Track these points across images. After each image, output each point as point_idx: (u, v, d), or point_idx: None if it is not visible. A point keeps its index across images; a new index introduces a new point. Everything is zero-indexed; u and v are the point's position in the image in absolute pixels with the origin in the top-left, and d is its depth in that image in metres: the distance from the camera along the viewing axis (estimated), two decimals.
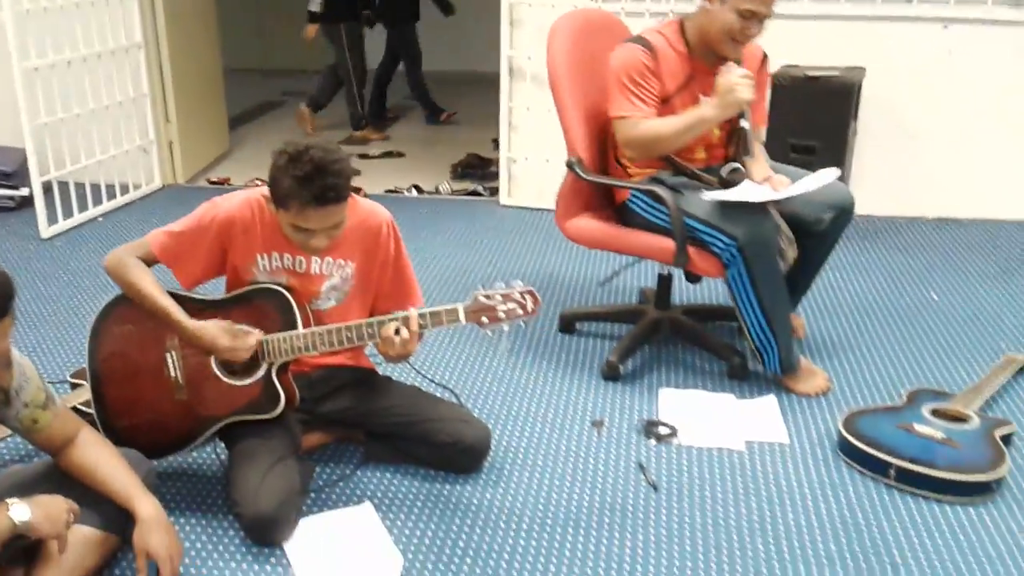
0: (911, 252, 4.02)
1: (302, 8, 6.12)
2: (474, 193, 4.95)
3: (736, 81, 2.63)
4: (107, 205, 4.51)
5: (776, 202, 2.70)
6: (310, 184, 2.02)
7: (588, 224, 2.94)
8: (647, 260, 3.17)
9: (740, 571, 2.07)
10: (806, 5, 4.19)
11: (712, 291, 3.53)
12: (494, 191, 4.84)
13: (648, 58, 2.72)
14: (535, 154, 4.51)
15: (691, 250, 2.70)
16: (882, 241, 4.13)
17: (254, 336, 2.18)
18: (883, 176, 4.31)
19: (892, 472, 2.37)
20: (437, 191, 4.97)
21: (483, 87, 5.72)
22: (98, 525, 1.96)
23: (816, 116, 3.92)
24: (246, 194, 2.28)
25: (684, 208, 2.68)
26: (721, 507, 2.30)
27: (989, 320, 3.35)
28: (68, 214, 4.28)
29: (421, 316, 2.14)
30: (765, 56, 2.94)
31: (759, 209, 2.65)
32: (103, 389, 2.28)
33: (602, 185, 2.95)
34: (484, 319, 2.16)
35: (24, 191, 4.50)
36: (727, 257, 2.64)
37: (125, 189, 4.66)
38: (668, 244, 2.71)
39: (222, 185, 5.02)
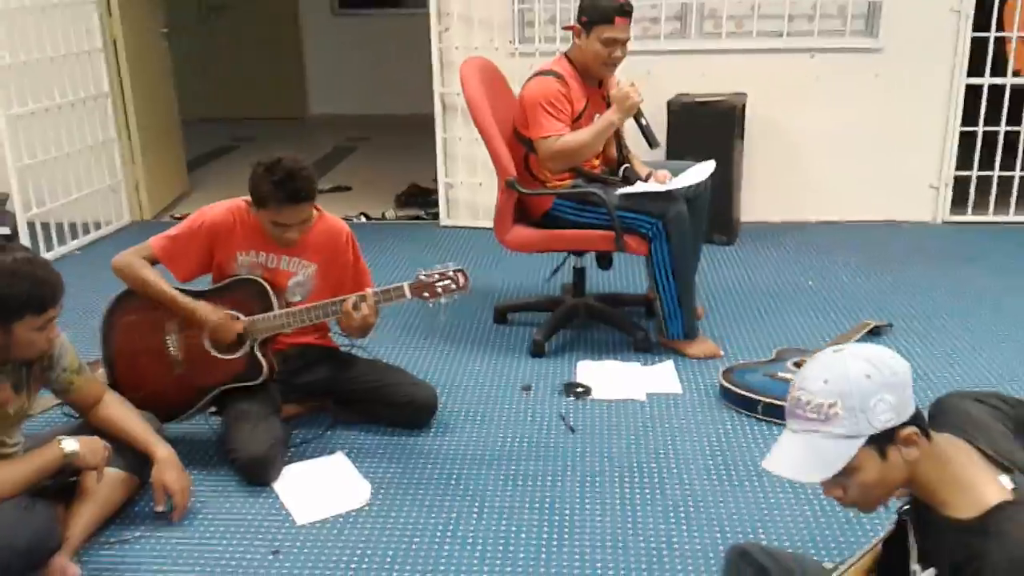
0: (794, 250, 4.67)
1: (245, 59, 6.61)
2: (417, 218, 5.50)
3: (628, 90, 3.25)
4: (82, 240, 4.96)
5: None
6: (284, 186, 2.57)
7: (526, 233, 3.46)
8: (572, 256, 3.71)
9: (639, 485, 2.63)
10: (693, 41, 4.87)
11: (619, 281, 4.10)
12: (435, 216, 5.39)
13: (562, 85, 3.31)
14: (468, 179, 5.08)
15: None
16: (770, 242, 4.77)
17: (240, 319, 2.70)
18: (769, 186, 4.96)
19: (760, 408, 2.97)
20: (383, 217, 5.51)
21: (422, 127, 6.30)
22: (123, 468, 2.44)
23: (706, 136, 4.54)
24: (228, 203, 2.82)
25: (613, 203, 3.27)
26: (625, 440, 2.87)
27: (852, 300, 3.99)
28: (49, 248, 4.72)
29: (375, 293, 2.68)
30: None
31: (670, 194, 3.28)
32: (116, 368, 2.77)
33: (528, 200, 3.46)
34: (425, 294, 2.70)
35: (3, 230, 4.92)
36: (652, 233, 3.25)
37: (98, 226, 5.11)
38: (602, 235, 3.30)
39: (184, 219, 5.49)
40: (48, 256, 4.71)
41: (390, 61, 8.30)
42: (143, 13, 5.35)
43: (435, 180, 5.27)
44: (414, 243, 4.97)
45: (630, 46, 3.39)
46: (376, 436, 2.92)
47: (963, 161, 4.92)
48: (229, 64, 8.37)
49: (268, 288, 2.74)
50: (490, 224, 4.94)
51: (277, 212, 2.63)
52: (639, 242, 3.31)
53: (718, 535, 2.39)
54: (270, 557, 2.34)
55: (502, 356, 3.50)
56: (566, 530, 2.42)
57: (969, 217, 4.98)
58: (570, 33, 3.41)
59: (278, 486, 2.64)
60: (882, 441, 1.50)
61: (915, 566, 1.64)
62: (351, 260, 2.92)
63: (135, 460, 2.46)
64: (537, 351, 3.46)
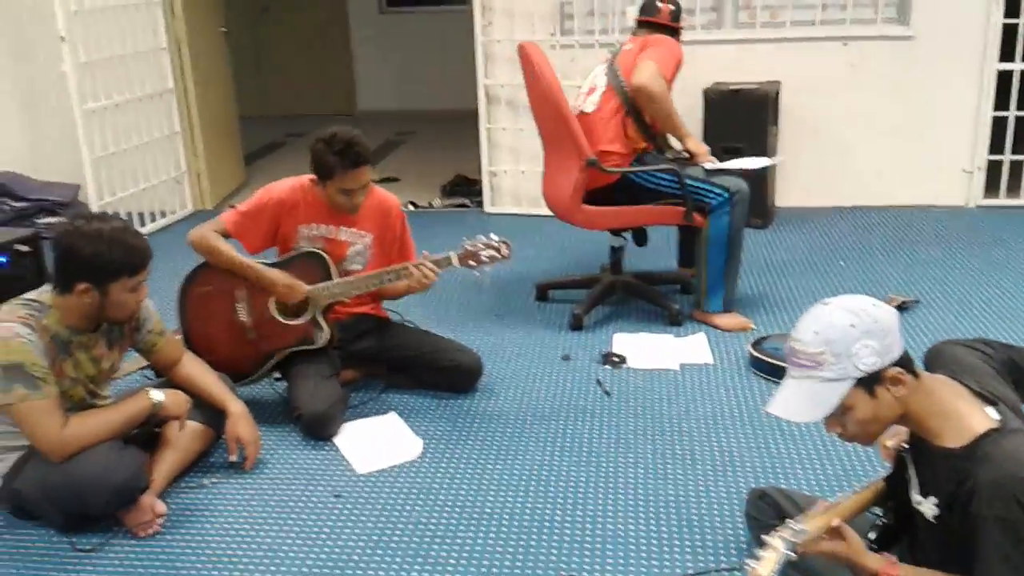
0: (827, 233, 4.82)
1: (296, 57, 6.85)
2: (462, 206, 5.73)
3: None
4: (149, 227, 5.27)
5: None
6: (347, 153, 2.84)
7: (597, 211, 3.63)
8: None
9: (670, 443, 2.83)
10: (728, 32, 5.04)
11: (652, 260, 4.27)
12: (479, 204, 5.62)
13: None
14: (512, 167, 5.31)
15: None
16: (804, 226, 4.91)
17: (303, 284, 2.96)
18: (803, 172, 5.11)
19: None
20: (430, 206, 5.76)
21: (466, 121, 6.53)
22: (201, 421, 2.70)
23: (741, 123, 4.70)
24: (291, 180, 3.08)
25: (687, 174, 3.52)
26: (658, 405, 3.07)
27: (882, 278, 4.14)
28: None
29: (427, 258, 2.92)
30: None
31: (738, 173, 3.54)
32: (191, 334, 3.03)
33: (592, 176, 3.57)
34: (471, 262, 2.95)
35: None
36: (718, 203, 3.48)
37: (163, 214, 5.43)
38: (670, 210, 3.55)
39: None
40: None
41: (435, 57, 8.55)
42: (204, 13, 5.66)
43: (479, 170, 5.50)
44: (461, 228, 5.17)
45: None
46: (425, 398, 3.16)
47: (996, 145, 5.02)
48: (281, 62, 8.70)
49: (328, 260, 3.00)
50: (533, 210, 5.25)
51: (343, 179, 2.88)
52: (700, 215, 3.53)
53: (743, 484, 2.58)
54: (333, 499, 2.59)
55: (543, 329, 3.71)
56: (602, 480, 2.63)
57: (1003, 201, 5.08)
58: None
59: (338, 440, 2.89)
60: (870, 382, 1.69)
61: (917, 496, 1.82)
62: (399, 232, 3.17)
63: (211, 415, 2.72)
64: (576, 324, 3.67)
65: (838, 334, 1.68)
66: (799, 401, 1.74)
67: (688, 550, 2.31)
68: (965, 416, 1.69)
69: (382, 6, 8.79)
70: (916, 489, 1.84)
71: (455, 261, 2.95)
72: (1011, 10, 4.77)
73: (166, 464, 2.60)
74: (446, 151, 7.31)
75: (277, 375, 3.16)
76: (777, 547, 1.68)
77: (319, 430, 2.88)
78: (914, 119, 5.00)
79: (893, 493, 1.95)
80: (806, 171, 5.11)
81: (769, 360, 3.20)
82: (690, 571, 2.23)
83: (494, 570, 2.26)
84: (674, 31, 3.72)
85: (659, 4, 3.72)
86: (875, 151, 5.07)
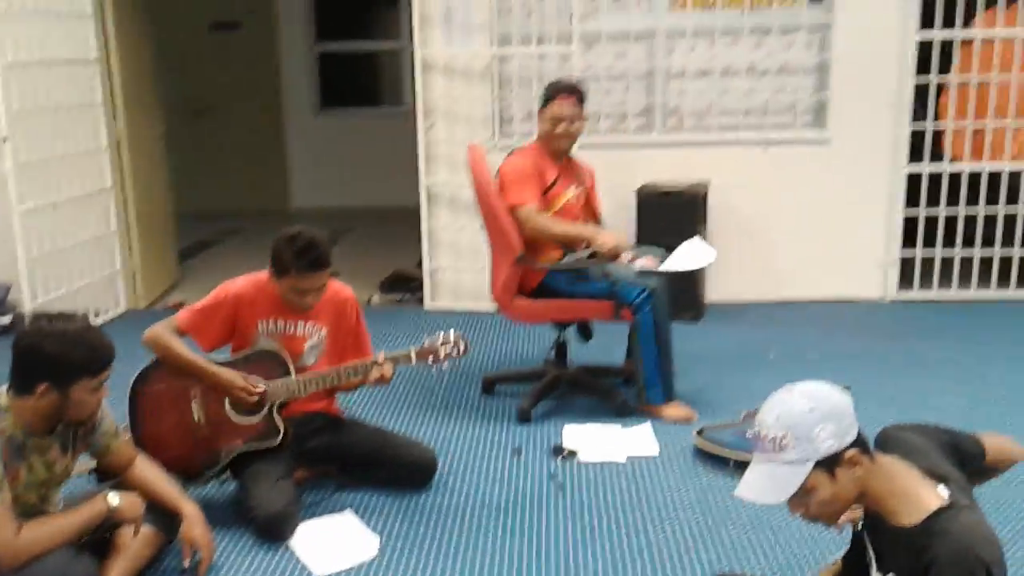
0: (755, 326, 5.01)
1: (230, 156, 6.87)
2: (401, 301, 5.79)
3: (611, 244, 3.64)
4: None
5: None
6: (306, 254, 2.89)
7: (529, 304, 3.78)
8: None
9: (624, 535, 2.88)
10: (658, 136, 5.31)
11: (597, 353, 4.37)
12: (420, 300, 5.68)
13: (531, 160, 3.75)
14: (451, 263, 5.41)
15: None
16: (733, 319, 5.10)
17: (261, 382, 2.96)
18: (731, 268, 5.30)
19: (731, 463, 3.25)
20: (370, 301, 5.79)
21: (402, 217, 6.65)
22: (151, 524, 2.65)
23: (672, 223, 4.89)
24: (248, 277, 3.11)
25: (609, 272, 3.65)
26: (611, 497, 3.13)
27: (810, 368, 4.28)
28: None
29: (388, 358, 2.97)
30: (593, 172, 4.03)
31: (656, 273, 3.69)
32: (142, 434, 2.99)
33: (524, 273, 3.73)
34: (430, 359, 3.00)
35: (5, 319, 5.14)
36: (640, 302, 3.60)
37: (96, 313, 5.34)
38: (600, 304, 3.68)
39: (179, 308, 5.74)
40: None
41: (369, 156, 8.70)
42: (143, 114, 5.70)
43: (418, 266, 5.59)
44: (401, 324, 5.25)
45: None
46: (380, 496, 3.15)
47: (910, 241, 5.34)
48: (214, 161, 8.72)
49: (285, 356, 3.02)
50: (472, 305, 5.34)
51: (298, 279, 2.92)
52: (626, 311, 3.65)
53: (700, 573, 2.64)
54: None
55: (492, 423, 3.76)
56: (563, 573, 2.66)
57: (916, 294, 5.38)
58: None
59: (293, 542, 2.86)
60: (830, 463, 1.80)
61: (876, 574, 1.92)
62: (354, 324, 3.22)
63: (162, 518, 2.66)
64: (523, 418, 3.74)
65: (798, 419, 1.80)
66: (764, 484, 1.83)
67: None
68: (919, 494, 1.81)
69: (316, 108, 8.96)
70: (874, 567, 1.93)
71: (414, 358, 3.00)
72: (919, 116, 5.15)
73: (117, 572, 2.53)
74: (383, 247, 7.39)
75: (225, 475, 3.12)
76: None
77: (275, 532, 2.85)
78: (832, 217, 5.29)
79: (851, 571, 2.04)
80: (735, 267, 5.32)
81: (713, 450, 3.30)
82: None
83: None
84: (540, 109, 3.81)
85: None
86: (798, 248, 5.33)
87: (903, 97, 5.10)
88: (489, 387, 4.08)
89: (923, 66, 5.07)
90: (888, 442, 1.96)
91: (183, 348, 2.99)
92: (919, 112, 5.17)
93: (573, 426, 3.66)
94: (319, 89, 8.94)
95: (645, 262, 3.72)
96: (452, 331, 3.05)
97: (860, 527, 2.00)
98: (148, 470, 2.71)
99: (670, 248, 3.87)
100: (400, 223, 6.56)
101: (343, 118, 8.95)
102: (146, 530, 2.60)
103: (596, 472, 3.31)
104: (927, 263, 5.36)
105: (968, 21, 5.08)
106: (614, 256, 3.64)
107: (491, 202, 3.76)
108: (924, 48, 5.05)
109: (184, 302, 5.82)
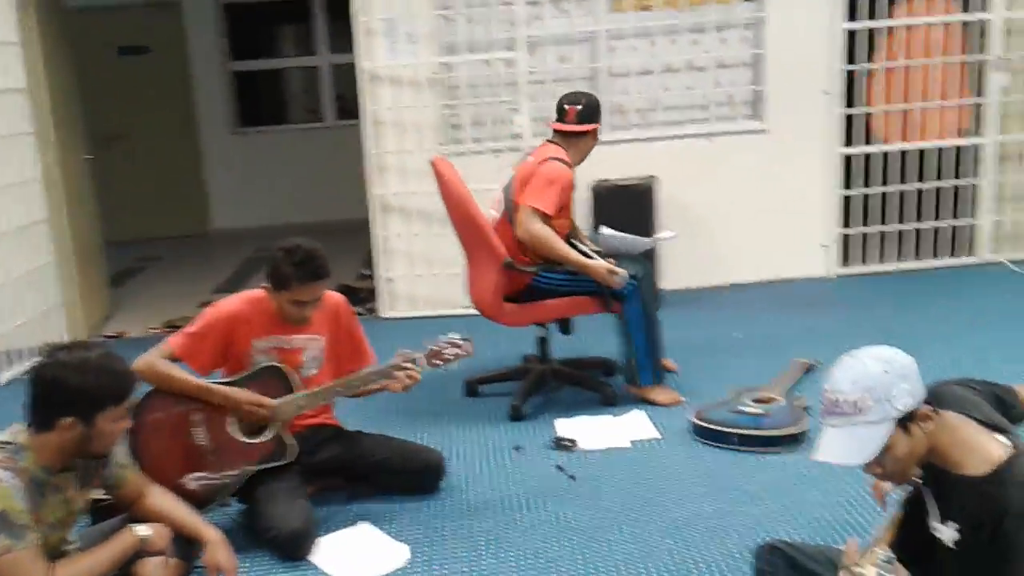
0: (715, 310, 5.15)
1: (146, 181, 6.62)
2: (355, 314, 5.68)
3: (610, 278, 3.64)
4: (25, 365, 4.91)
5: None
6: (305, 266, 2.82)
7: (520, 310, 3.77)
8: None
9: (646, 516, 2.91)
10: (606, 133, 5.37)
11: (577, 347, 4.41)
12: (371, 310, 5.61)
13: (571, 177, 3.73)
14: (407, 272, 5.36)
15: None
16: (691, 306, 5.22)
17: (268, 401, 2.88)
18: (683, 257, 5.43)
19: (735, 439, 3.32)
20: None
21: (333, 231, 6.54)
22: (173, 554, 2.54)
23: (627, 214, 4.99)
24: (240, 296, 3.03)
25: None
26: (623, 481, 3.16)
27: (776, 345, 4.45)
28: None
29: (394, 364, 2.93)
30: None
31: (640, 257, 3.73)
32: (144, 465, 2.84)
33: (511, 278, 3.70)
34: (436, 361, 2.98)
35: None
36: (628, 291, 3.63)
37: (33, 352, 5.07)
38: (589, 300, 3.71)
39: (119, 337, 5.52)
40: None
41: (291, 173, 8.57)
42: (70, 141, 5.46)
43: (359, 278, 5.52)
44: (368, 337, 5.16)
45: None
46: (392, 504, 3.10)
47: (851, 220, 5.57)
48: (129, 187, 8.41)
49: (287, 371, 2.94)
50: (431, 312, 5.30)
51: (299, 291, 2.86)
52: (616, 304, 3.69)
53: (731, 546, 2.69)
54: None
55: (484, 424, 3.74)
56: (600, 560, 2.67)
57: (857, 269, 5.61)
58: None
59: (316, 558, 2.78)
60: (906, 421, 1.86)
61: (936, 524, 1.99)
62: (350, 327, 3.16)
63: (183, 546, 2.56)
64: (516, 415, 3.73)
65: (875, 381, 1.85)
66: (845, 446, 1.88)
67: None
68: (983, 445, 1.89)
69: (233, 127, 8.74)
70: (935, 517, 2.01)
71: (423, 362, 2.97)
72: (850, 102, 5.38)
73: None
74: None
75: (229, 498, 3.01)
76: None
77: (296, 549, 2.77)
78: (775, 202, 5.47)
79: (908, 528, 2.12)
80: (686, 256, 5.45)
81: (716, 428, 3.37)
82: None
83: None
84: (585, 133, 3.81)
85: (567, 106, 3.82)
86: (744, 233, 5.49)
87: (835, 85, 5.32)
88: (473, 389, 4.05)
89: (852, 55, 5.30)
90: (941, 397, 2.03)
91: (182, 373, 2.88)
92: (850, 97, 5.40)
93: (565, 420, 3.68)
94: (235, 108, 8.73)
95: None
96: (454, 333, 3.03)
97: (919, 481, 2.07)
98: (163, 498, 2.59)
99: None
100: (330, 238, 6.44)
101: (261, 136, 8.78)
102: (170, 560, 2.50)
103: (602, 459, 3.33)
104: (865, 239, 5.60)
105: (891, 10, 5.33)
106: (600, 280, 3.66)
107: (470, 212, 3.72)
108: (852, 37, 5.28)
109: (124, 333, 5.61)
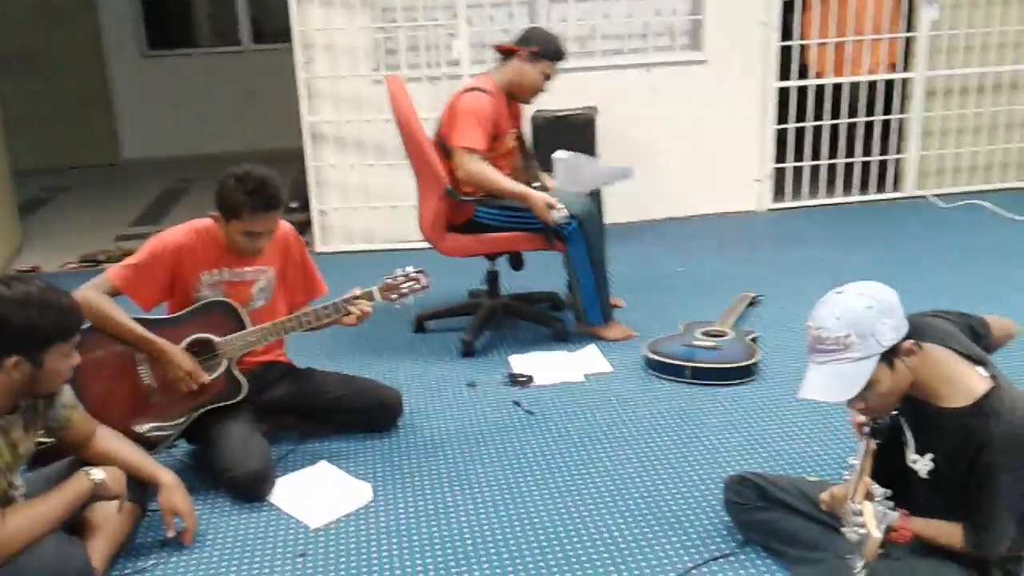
0: (655, 244, 5.15)
1: (50, 112, 6.23)
2: None
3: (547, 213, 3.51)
4: None
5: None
6: (259, 195, 2.67)
7: (462, 240, 3.69)
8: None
9: (600, 450, 2.91)
10: None
11: (526, 282, 4.36)
12: (307, 243, 5.42)
13: (491, 104, 3.56)
14: (342, 205, 5.19)
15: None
16: (631, 240, 5.21)
17: (204, 375, 2.74)
18: (620, 191, 5.37)
19: (688, 372, 3.34)
20: None
21: (269, 163, 6.28)
22: (127, 498, 2.42)
23: (567, 145, 4.90)
24: (185, 226, 2.86)
25: None
26: (581, 414, 3.15)
27: (719, 278, 4.50)
28: None
29: (346, 299, 2.83)
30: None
31: (586, 196, 3.62)
32: (88, 408, 2.69)
33: (452, 209, 3.64)
34: (393, 295, 2.88)
35: None
36: (571, 231, 3.55)
37: None
38: (532, 236, 3.62)
39: (34, 272, 5.20)
40: None
41: (211, 99, 8.19)
42: None
43: (288, 209, 5.30)
44: None
45: None
46: (348, 442, 3.02)
47: (783, 154, 5.62)
48: (31, 115, 7.91)
49: (237, 307, 2.80)
50: (367, 246, 5.17)
51: (251, 221, 2.71)
52: (559, 243, 3.62)
53: (698, 477, 2.71)
54: (298, 560, 2.41)
55: (435, 360, 3.67)
56: (567, 492, 2.66)
57: (788, 204, 5.69)
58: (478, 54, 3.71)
59: (275, 499, 2.69)
60: (889, 356, 1.87)
61: (913, 455, 2.03)
62: (300, 258, 3.04)
63: (135, 490, 2.44)
64: (468, 351, 3.67)
65: (859, 316, 1.85)
66: (831, 383, 1.88)
67: (677, 545, 2.40)
68: (965, 378, 1.92)
69: (144, 50, 8.27)
70: (912, 449, 2.04)
71: (377, 295, 2.87)
72: (786, 34, 5.38)
73: (99, 553, 2.29)
74: None
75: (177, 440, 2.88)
76: (871, 512, 1.77)
77: (255, 490, 2.67)
78: (710, 135, 5.47)
79: (883, 460, 2.15)
80: (623, 190, 5.38)
81: (669, 361, 3.38)
82: (689, 564, 2.31)
83: None
84: (513, 53, 3.65)
85: (525, 31, 3.73)
86: (680, 166, 5.48)
87: (772, 17, 5.30)
88: (420, 325, 3.97)
89: None
90: (921, 329, 2.06)
91: (121, 313, 2.70)
92: (787, 30, 5.40)
93: (519, 356, 3.64)
94: (144, 30, 8.24)
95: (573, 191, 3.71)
96: (409, 267, 2.93)
97: (873, 423, 2.10)
98: (113, 441, 2.46)
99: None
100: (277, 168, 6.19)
101: (175, 60, 8.33)
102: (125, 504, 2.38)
103: (557, 393, 3.32)
104: (798, 173, 5.67)
105: None
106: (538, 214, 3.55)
107: (416, 135, 3.62)
108: None
109: (38, 268, 5.30)
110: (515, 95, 3.70)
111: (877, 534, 1.69)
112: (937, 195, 5.73)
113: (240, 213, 2.71)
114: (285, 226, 3.01)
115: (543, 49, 3.62)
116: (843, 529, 1.81)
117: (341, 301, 2.83)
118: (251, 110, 8.11)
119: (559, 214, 3.52)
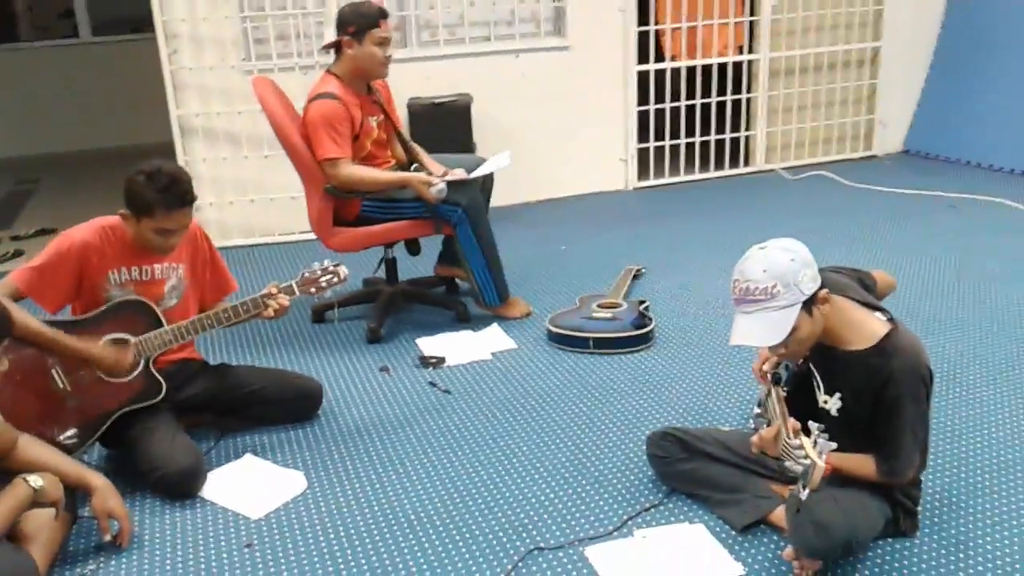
0: (534, 225, 5.32)
1: None
2: None
3: (428, 191, 3.57)
4: None
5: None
6: (171, 191, 2.62)
7: (351, 233, 3.72)
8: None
9: (521, 421, 3.05)
10: (415, 50, 5.32)
11: (425, 265, 4.41)
12: None
13: (340, 106, 3.54)
14: (216, 200, 5.06)
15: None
16: (509, 222, 5.34)
17: (130, 345, 2.68)
18: (498, 174, 5.53)
19: (591, 343, 3.52)
20: None
21: (102, 161, 6.03)
22: (64, 506, 2.34)
23: (444, 132, 5.02)
24: (90, 224, 2.77)
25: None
26: (491, 390, 3.26)
27: (602, 253, 4.72)
28: None
29: (262, 295, 2.82)
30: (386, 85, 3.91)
31: (470, 183, 3.69)
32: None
33: (339, 207, 3.68)
34: (312, 289, 2.90)
35: None
36: (457, 219, 3.63)
37: None
38: (420, 223, 3.69)
39: None
40: None
41: (49, 96, 7.74)
42: None
43: None
44: None
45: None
46: (269, 435, 3.01)
47: (646, 135, 5.91)
48: None
49: (152, 305, 2.75)
50: (246, 241, 5.09)
51: (165, 218, 2.66)
52: (446, 227, 3.72)
53: (616, 438, 2.89)
54: (245, 550, 2.42)
55: (343, 348, 3.69)
56: (496, 464, 2.78)
57: (653, 182, 5.99)
58: (329, 51, 3.73)
59: (208, 494, 2.67)
60: (808, 304, 2.09)
61: (823, 396, 2.26)
62: (208, 252, 3.01)
63: (66, 496, 2.37)
64: (374, 338, 3.71)
65: (783, 268, 2.06)
66: (760, 329, 2.08)
67: (610, 500, 2.55)
68: (867, 323, 2.16)
69: None
70: (822, 390, 2.28)
71: (297, 290, 2.87)
72: (643, 20, 5.66)
73: (40, 563, 2.22)
74: (94, 196, 6.68)
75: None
76: (811, 445, 1.95)
77: (188, 487, 2.64)
78: (577, 118, 5.69)
79: (794, 403, 2.38)
80: (500, 173, 5.54)
81: (571, 334, 3.55)
82: (625, 516, 2.47)
83: (450, 568, 2.32)
84: (339, 45, 3.61)
85: (337, 17, 3.67)
86: (549, 149, 5.68)
87: (629, 2, 5.55)
88: (320, 316, 3.97)
89: None
90: (825, 281, 2.29)
91: (27, 317, 2.59)
92: (643, 16, 5.68)
93: (427, 339, 3.71)
94: None
95: (456, 173, 3.77)
96: (327, 260, 2.95)
97: (801, 363, 2.33)
98: (37, 448, 2.38)
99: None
100: (102, 167, 5.92)
101: (9, 54, 7.81)
102: (52, 513, 2.31)
103: (469, 372, 3.42)
104: (660, 152, 5.98)
105: None
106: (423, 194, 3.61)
107: (291, 138, 3.63)
108: None
109: None
110: (367, 78, 3.70)
111: (821, 463, 1.89)
112: (784, 168, 6.19)
113: (152, 211, 2.65)
114: (192, 222, 2.96)
115: (360, 23, 3.57)
116: (786, 464, 2.01)
117: (260, 296, 2.82)
118: (109, 105, 7.72)
119: (436, 188, 3.58)
